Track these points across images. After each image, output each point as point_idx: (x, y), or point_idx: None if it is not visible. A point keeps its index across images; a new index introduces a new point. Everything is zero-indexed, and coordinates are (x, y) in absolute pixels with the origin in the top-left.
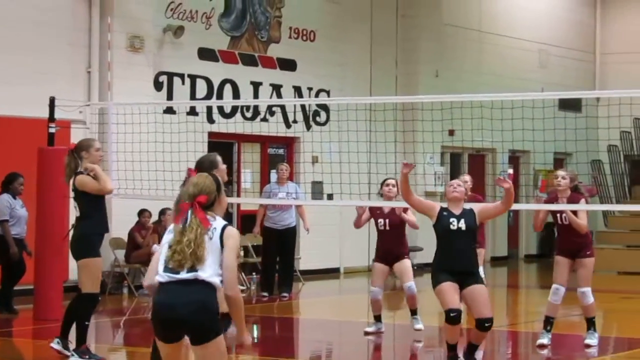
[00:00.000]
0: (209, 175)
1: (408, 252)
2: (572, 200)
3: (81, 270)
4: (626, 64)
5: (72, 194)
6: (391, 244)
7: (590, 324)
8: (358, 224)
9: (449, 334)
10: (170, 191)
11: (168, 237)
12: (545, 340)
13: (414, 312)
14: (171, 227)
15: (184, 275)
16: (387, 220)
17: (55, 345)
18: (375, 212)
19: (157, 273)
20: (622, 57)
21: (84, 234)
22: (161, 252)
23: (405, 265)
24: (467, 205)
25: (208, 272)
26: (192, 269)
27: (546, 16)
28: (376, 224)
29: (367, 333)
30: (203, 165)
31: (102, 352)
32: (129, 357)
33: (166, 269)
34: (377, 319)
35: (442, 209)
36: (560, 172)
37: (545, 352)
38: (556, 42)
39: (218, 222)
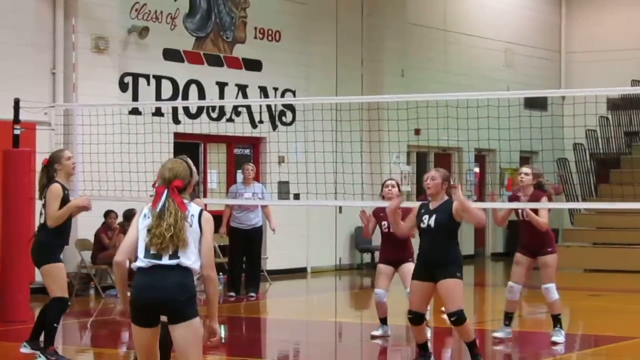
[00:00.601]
0: (182, 161)
1: (412, 254)
2: (534, 197)
3: (45, 277)
4: (591, 63)
5: (43, 200)
6: (395, 247)
7: (556, 321)
8: (367, 235)
9: (414, 333)
10: (137, 192)
11: (145, 222)
12: (500, 334)
13: None
14: (146, 211)
15: (166, 261)
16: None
17: (24, 349)
18: (378, 215)
19: (133, 255)
20: (588, 55)
21: (44, 242)
22: (139, 237)
23: (408, 268)
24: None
25: (191, 258)
26: (175, 255)
27: (512, 15)
28: (380, 226)
29: (373, 337)
30: None
31: (70, 353)
32: (96, 358)
33: (147, 254)
34: (383, 321)
35: (421, 207)
36: (523, 169)
37: (501, 347)
38: (522, 41)
39: (193, 208)
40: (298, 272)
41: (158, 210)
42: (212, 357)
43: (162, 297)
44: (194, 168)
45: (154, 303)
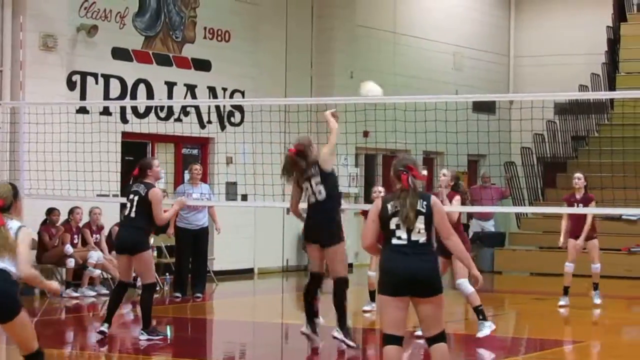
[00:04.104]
0: (8, 184)
1: None
2: (449, 197)
3: None
4: (540, 67)
5: None
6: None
7: (478, 312)
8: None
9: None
10: (83, 191)
11: None
12: None
13: None
14: None
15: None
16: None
17: None
18: None
19: None
20: (536, 60)
21: None
22: None
23: None
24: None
25: (8, 263)
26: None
27: (461, 19)
28: None
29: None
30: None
31: (13, 353)
32: None
33: None
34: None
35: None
36: (443, 170)
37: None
38: (471, 45)
39: (14, 223)
40: (245, 273)
41: None
42: (158, 357)
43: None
44: (19, 191)
45: None
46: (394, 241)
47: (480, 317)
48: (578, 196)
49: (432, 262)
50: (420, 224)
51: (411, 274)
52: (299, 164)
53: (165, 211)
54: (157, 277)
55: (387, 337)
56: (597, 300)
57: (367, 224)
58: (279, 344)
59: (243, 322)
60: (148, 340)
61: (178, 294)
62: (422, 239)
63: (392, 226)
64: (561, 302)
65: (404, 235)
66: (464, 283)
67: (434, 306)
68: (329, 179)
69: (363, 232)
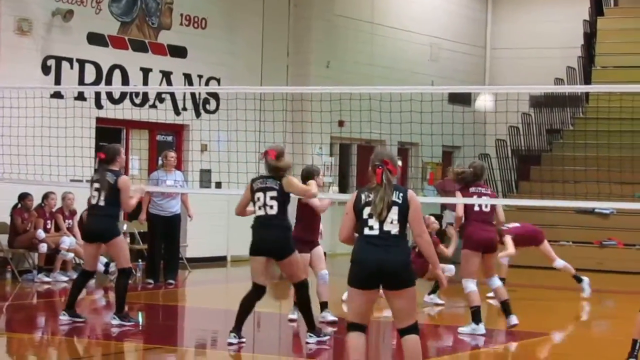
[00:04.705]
0: None
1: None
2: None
3: None
4: (516, 60)
5: None
6: None
7: (504, 306)
8: None
9: None
10: (56, 176)
11: None
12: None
13: None
14: None
15: None
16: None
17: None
18: None
19: None
20: (512, 52)
21: None
22: None
23: None
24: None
25: None
26: None
27: (438, 10)
28: None
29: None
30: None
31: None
32: (11, 343)
33: None
34: None
35: None
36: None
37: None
38: (447, 36)
39: None
40: (218, 261)
41: None
42: (129, 344)
43: None
44: None
45: None
46: (366, 231)
47: (505, 311)
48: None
49: (402, 255)
50: (394, 214)
51: (378, 266)
52: (277, 167)
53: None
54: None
55: (350, 324)
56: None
57: (344, 216)
58: (250, 332)
59: (215, 309)
60: (119, 325)
61: (150, 281)
62: (395, 230)
63: (365, 215)
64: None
65: (376, 226)
66: (494, 279)
67: (404, 300)
68: (285, 200)
69: (341, 225)
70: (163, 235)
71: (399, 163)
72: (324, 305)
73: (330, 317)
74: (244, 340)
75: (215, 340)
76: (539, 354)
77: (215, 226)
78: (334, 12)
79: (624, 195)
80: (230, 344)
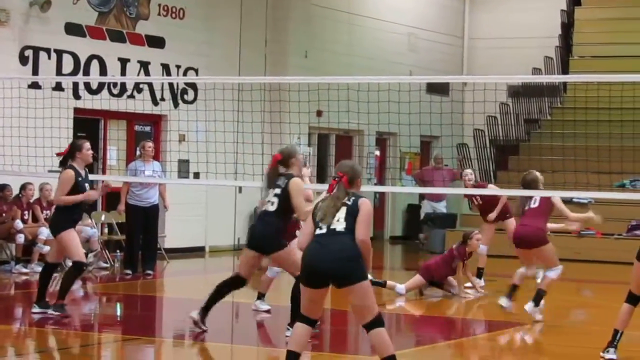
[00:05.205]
0: None
1: None
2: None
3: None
4: (494, 50)
5: None
6: None
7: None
8: None
9: None
10: (34, 167)
11: None
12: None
13: None
14: None
15: None
16: None
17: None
18: None
19: None
20: (490, 42)
21: None
22: None
23: None
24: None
25: None
26: None
27: (416, 0)
28: None
29: None
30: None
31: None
32: None
33: None
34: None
35: None
36: (467, 171)
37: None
38: (425, 26)
39: None
40: (196, 251)
41: None
42: (107, 335)
43: None
44: None
45: None
46: (317, 231)
47: (535, 302)
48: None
49: (346, 252)
50: (341, 214)
51: (321, 267)
52: (276, 171)
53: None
54: (108, 254)
55: (300, 315)
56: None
57: (306, 223)
58: (229, 322)
59: (193, 300)
60: (41, 312)
61: (129, 271)
62: (340, 227)
63: (318, 218)
64: (468, 284)
65: (325, 225)
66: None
67: (355, 296)
68: (288, 201)
69: (301, 233)
70: (141, 226)
71: (377, 153)
72: (260, 296)
73: (263, 306)
74: (205, 328)
75: (193, 331)
76: (517, 344)
77: (193, 216)
78: (312, 2)
79: (601, 184)
80: (192, 317)
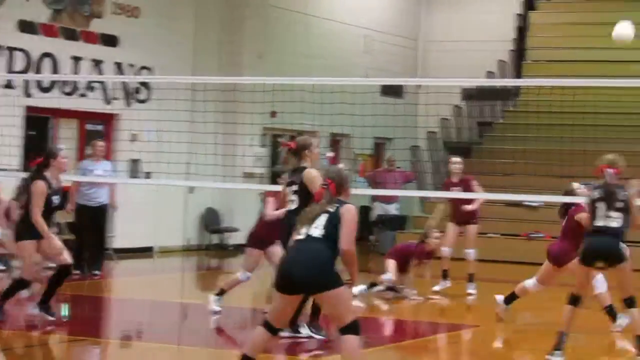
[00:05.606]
0: None
1: None
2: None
3: None
4: (449, 52)
5: None
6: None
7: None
8: None
9: None
10: None
11: None
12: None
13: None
14: None
15: None
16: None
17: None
18: None
19: None
20: (445, 45)
21: None
22: None
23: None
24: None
25: None
26: None
27: (371, 2)
28: None
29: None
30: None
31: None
32: None
33: None
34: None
35: None
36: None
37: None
38: (381, 28)
39: None
40: (145, 252)
41: None
42: (53, 336)
43: None
44: None
45: None
46: (296, 236)
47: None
48: (455, 180)
49: (319, 259)
50: (321, 221)
51: (293, 273)
52: (289, 160)
53: None
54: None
55: (264, 320)
56: (472, 290)
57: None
58: (177, 323)
59: (142, 300)
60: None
61: (77, 271)
62: (317, 233)
63: (298, 224)
64: (436, 288)
65: (304, 230)
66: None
67: (327, 303)
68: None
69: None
70: (90, 226)
71: (330, 154)
72: (221, 292)
73: (215, 307)
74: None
75: (141, 332)
76: (464, 346)
77: (143, 217)
78: (269, 3)
79: (552, 188)
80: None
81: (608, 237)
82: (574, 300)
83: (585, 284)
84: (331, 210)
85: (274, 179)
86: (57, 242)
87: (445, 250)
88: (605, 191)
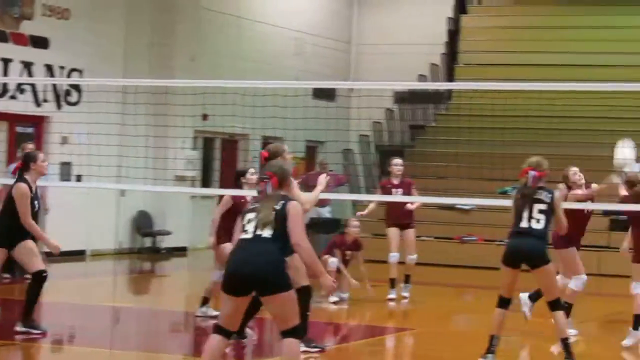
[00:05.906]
0: None
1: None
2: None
3: None
4: (381, 56)
5: None
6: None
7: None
8: None
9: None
10: None
11: None
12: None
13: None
14: None
15: None
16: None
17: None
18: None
19: None
20: (378, 48)
21: None
22: None
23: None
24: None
25: None
26: None
27: (303, 5)
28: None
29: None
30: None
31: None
32: None
33: None
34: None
35: None
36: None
37: None
38: (313, 31)
39: None
40: (77, 255)
41: None
42: None
43: None
44: None
45: None
46: (242, 235)
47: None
48: (396, 181)
49: (269, 258)
50: (269, 219)
51: (244, 273)
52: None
53: None
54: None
55: (216, 326)
56: (406, 293)
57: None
58: (109, 326)
59: (73, 304)
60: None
61: (7, 275)
62: (266, 233)
63: (245, 221)
64: (390, 295)
65: (251, 229)
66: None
67: (275, 305)
68: None
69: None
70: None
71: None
72: (205, 301)
73: (211, 312)
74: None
75: (73, 336)
76: (399, 350)
77: (74, 220)
78: (201, 5)
79: (484, 191)
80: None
81: (531, 238)
82: (503, 303)
83: (512, 286)
84: (278, 208)
85: (205, 182)
86: (55, 242)
87: (394, 256)
88: (528, 193)
